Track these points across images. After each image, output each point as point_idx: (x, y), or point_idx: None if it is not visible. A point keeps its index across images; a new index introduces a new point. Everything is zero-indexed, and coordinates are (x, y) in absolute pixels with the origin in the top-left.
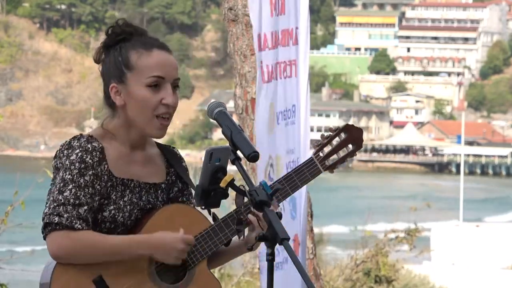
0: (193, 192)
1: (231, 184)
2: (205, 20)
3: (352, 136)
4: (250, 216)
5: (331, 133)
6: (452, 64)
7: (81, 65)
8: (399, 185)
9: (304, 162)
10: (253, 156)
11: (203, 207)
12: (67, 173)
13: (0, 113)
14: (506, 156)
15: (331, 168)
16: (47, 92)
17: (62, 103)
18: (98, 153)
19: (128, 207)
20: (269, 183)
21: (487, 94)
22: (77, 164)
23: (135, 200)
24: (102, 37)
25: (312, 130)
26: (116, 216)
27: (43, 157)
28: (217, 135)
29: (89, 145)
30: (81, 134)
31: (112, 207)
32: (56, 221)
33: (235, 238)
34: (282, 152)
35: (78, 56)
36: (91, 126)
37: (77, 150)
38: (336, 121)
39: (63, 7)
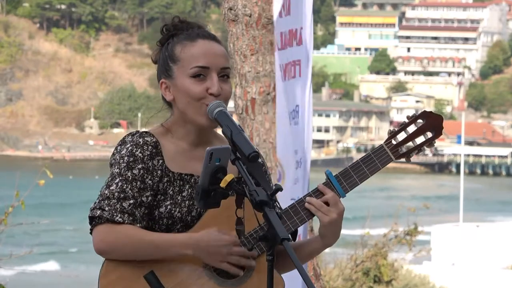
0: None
1: (231, 184)
2: (205, 20)
3: (431, 122)
4: (307, 205)
5: (407, 120)
6: (452, 64)
7: (81, 65)
8: (399, 185)
9: (373, 150)
10: (253, 156)
11: (202, 207)
12: (116, 167)
13: (0, 113)
14: (506, 156)
15: (405, 155)
16: (47, 92)
17: (62, 103)
18: (150, 147)
19: (187, 202)
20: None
21: (487, 94)
22: (125, 158)
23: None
24: (102, 37)
25: (312, 130)
26: (173, 211)
27: (43, 157)
28: None
29: (140, 140)
30: (137, 131)
31: (168, 202)
32: (97, 215)
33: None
34: (291, 153)
35: (78, 56)
36: (91, 126)
37: (128, 145)
38: (336, 121)
39: (63, 7)
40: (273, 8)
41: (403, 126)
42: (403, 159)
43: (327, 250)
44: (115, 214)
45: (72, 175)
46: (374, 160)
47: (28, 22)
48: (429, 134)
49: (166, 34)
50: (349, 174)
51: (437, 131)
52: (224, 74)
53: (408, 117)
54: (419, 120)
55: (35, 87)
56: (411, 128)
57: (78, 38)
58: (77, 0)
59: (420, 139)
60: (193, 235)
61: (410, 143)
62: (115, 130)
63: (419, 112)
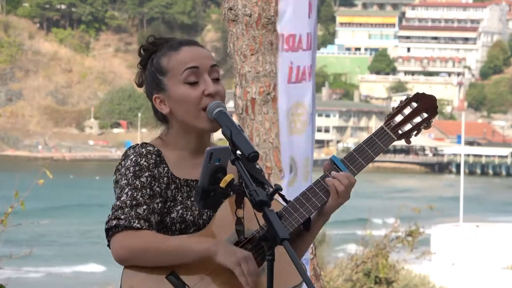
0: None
1: (231, 184)
2: (205, 20)
3: (425, 104)
4: (327, 180)
5: (401, 104)
6: (452, 64)
7: (81, 65)
8: (399, 185)
9: (374, 133)
10: (253, 156)
11: (202, 207)
12: (123, 179)
13: (0, 113)
14: (506, 156)
15: (405, 136)
16: (47, 92)
17: (62, 103)
18: (154, 155)
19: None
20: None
21: (487, 94)
22: (131, 168)
23: None
24: (102, 37)
25: None
26: (185, 215)
27: (43, 157)
28: (217, 135)
29: (143, 150)
30: (137, 144)
31: (179, 207)
32: (114, 224)
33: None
34: (310, 155)
35: (78, 56)
36: (91, 126)
37: (132, 156)
38: (336, 121)
39: (63, 7)
40: (285, 8)
41: (399, 109)
42: (401, 140)
43: (329, 250)
44: (132, 220)
45: (73, 175)
46: (376, 142)
47: (28, 22)
48: (425, 115)
49: (146, 54)
50: (354, 158)
51: (432, 111)
52: (216, 78)
53: (401, 101)
54: (413, 103)
55: (35, 87)
56: (407, 111)
57: (78, 38)
58: (77, 0)
59: (417, 120)
60: (195, 235)
61: (408, 125)
62: (115, 130)
63: (413, 95)
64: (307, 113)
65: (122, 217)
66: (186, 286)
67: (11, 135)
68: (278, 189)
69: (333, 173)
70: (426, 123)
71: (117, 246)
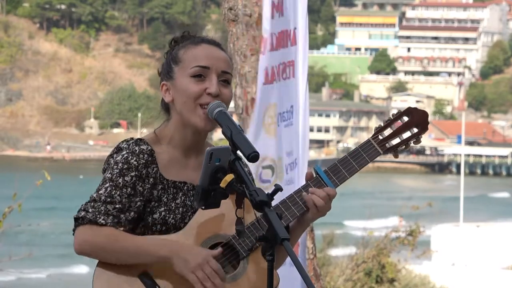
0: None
1: (231, 184)
2: (205, 20)
3: (416, 119)
4: (305, 195)
5: (391, 117)
6: (453, 64)
7: (81, 65)
8: (399, 185)
9: (360, 145)
10: (253, 156)
11: (203, 207)
12: (108, 172)
13: (0, 113)
14: (506, 156)
15: (392, 150)
16: (47, 92)
17: (62, 103)
18: (146, 155)
19: (181, 209)
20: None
21: (487, 94)
22: (120, 165)
23: (188, 203)
24: (102, 37)
25: (312, 130)
26: (167, 218)
27: (43, 157)
28: (217, 135)
29: (136, 148)
30: (131, 138)
31: (162, 209)
32: (81, 216)
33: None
34: (283, 154)
35: (78, 56)
36: (91, 126)
37: (124, 152)
38: (336, 121)
39: (63, 7)
40: (262, 10)
41: (388, 122)
42: (388, 154)
43: (327, 249)
44: (98, 216)
45: (74, 175)
46: (362, 154)
47: (28, 22)
48: (415, 130)
49: (173, 45)
50: (338, 169)
51: (422, 127)
52: (225, 79)
53: (393, 114)
54: (404, 117)
55: (35, 87)
56: (398, 124)
57: (78, 38)
58: (77, 0)
59: (406, 135)
60: (172, 236)
61: (397, 139)
62: (115, 130)
63: (404, 109)
64: (276, 114)
65: (91, 210)
66: (157, 286)
67: (11, 135)
68: (278, 189)
69: (311, 189)
70: (415, 138)
71: (78, 239)
